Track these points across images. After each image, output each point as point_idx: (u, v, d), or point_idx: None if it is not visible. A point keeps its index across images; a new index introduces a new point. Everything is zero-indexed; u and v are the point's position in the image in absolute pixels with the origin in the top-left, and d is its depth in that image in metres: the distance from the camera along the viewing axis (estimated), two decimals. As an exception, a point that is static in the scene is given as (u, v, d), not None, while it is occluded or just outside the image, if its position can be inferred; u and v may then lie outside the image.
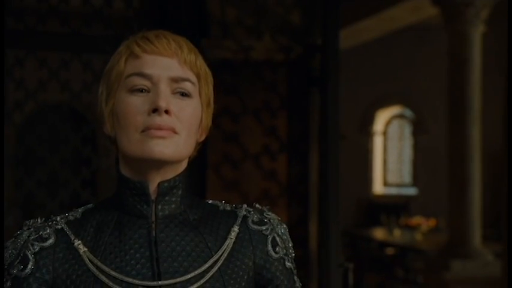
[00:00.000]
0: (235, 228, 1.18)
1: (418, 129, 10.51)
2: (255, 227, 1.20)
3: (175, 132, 1.10)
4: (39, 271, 1.10)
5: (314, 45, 3.73)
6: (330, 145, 3.09)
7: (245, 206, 1.24)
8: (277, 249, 1.20)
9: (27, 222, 1.16)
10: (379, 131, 11.08)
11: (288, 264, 1.21)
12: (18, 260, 1.11)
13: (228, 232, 1.17)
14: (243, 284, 1.15)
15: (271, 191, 3.76)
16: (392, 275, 7.77)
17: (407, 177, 11.10)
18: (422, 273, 6.77)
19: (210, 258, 1.12)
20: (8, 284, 1.11)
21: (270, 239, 1.20)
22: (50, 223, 1.15)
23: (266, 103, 3.76)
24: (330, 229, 3.04)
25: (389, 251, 7.80)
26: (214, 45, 3.70)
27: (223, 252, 1.14)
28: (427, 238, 7.90)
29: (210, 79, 1.22)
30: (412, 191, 10.76)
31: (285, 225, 1.25)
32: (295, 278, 1.23)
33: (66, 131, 3.62)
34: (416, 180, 10.74)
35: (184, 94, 1.13)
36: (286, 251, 1.22)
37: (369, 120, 10.88)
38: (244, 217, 1.21)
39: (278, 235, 1.22)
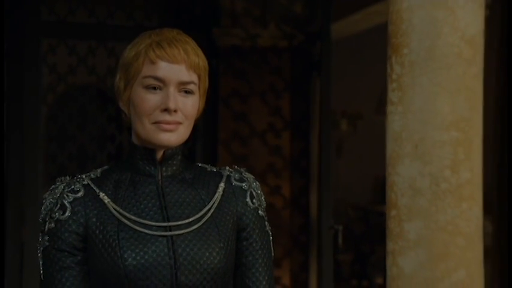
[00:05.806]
0: (222, 185, 1.51)
1: (434, 109, 10.61)
2: (237, 183, 1.53)
3: (179, 123, 1.42)
4: (76, 215, 1.42)
5: (315, 33, 4.02)
6: (323, 122, 3.42)
7: (227, 167, 1.57)
8: (253, 200, 1.53)
9: (58, 178, 1.48)
10: (396, 110, 11.24)
11: (260, 212, 1.54)
12: (57, 207, 1.43)
13: (216, 187, 1.50)
14: (229, 226, 1.48)
15: (276, 164, 4.09)
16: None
17: (422, 156, 11.24)
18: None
19: (204, 207, 1.46)
20: (52, 225, 1.42)
21: (248, 193, 1.53)
22: (77, 179, 1.47)
23: (271, 85, 4.07)
24: (323, 196, 3.39)
25: (401, 225, 8.08)
26: (224, 34, 4.01)
27: (214, 202, 1.48)
28: (437, 213, 8.13)
29: (207, 70, 1.50)
30: (427, 169, 10.89)
31: (258, 182, 1.58)
32: (266, 223, 1.56)
33: (93, 110, 3.97)
34: (431, 159, 10.86)
35: (188, 92, 1.44)
36: (260, 202, 1.55)
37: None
38: (228, 176, 1.53)
39: (254, 190, 1.54)
